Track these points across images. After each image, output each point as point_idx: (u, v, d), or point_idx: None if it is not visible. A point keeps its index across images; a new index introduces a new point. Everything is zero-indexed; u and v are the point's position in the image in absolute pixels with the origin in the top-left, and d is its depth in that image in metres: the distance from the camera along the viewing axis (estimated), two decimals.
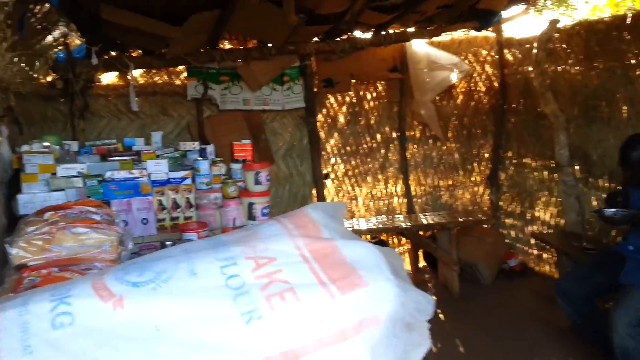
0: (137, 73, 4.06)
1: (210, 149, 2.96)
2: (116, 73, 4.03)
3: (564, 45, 4.10)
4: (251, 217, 2.44)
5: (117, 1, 2.90)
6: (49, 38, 3.64)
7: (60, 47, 3.64)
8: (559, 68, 4.16)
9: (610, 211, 2.84)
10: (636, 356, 2.53)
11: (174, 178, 2.35)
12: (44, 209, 1.51)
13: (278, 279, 1.07)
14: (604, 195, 3.55)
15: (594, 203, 3.89)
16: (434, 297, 4.11)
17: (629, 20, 3.46)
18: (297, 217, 1.37)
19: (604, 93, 3.74)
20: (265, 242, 1.19)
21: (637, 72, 3.45)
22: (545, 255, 4.55)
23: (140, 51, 3.91)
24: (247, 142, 2.87)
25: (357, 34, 4.28)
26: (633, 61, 3.48)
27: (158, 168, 2.35)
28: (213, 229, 2.30)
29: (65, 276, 1.21)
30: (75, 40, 3.76)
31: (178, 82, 4.25)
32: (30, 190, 2.09)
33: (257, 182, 2.44)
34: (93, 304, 0.92)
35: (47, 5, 3.22)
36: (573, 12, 6.48)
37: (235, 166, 2.61)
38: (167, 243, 1.66)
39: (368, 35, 4.27)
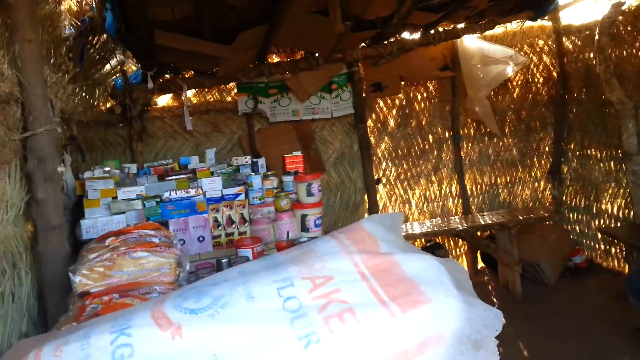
0: (190, 93, 4.19)
1: (261, 162, 2.98)
2: (170, 95, 4.18)
3: (629, 28, 3.82)
4: (304, 228, 2.42)
5: (169, 26, 3.00)
6: (107, 66, 3.84)
7: (117, 75, 3.83)
8: (625, 52, 3.89)
9: None
10: None
11: (228, 195, 2.38)
12: (105, 235, 1.55)
13: (336, 299, 1.03)
14: None
15: None
16: (495, 301, 3.98)
17: None
18: (353, 232, 1.32)
19: None
20: (322, 261, 1.16)
21: None
22: (613, 250, 4.27)
23: (192, 72, 4.03)
24: (298, 153, 2.87)
25: (405, 35, 4.20)
26: None
27: (213, 186, 2.39)
28: (267, 243, 2.30)
29: (126, 302, 1.23)
30: (132, 67, 3.94)
31: (229, 98, 4.34)
32: (92, 215, 2.18)
33: (310, 194, 2.42)
34: (152, 334, 0.92)
35: (104, 35, 3.40)
36: None
37: (287, 179, 2.61)
38: (222, 260, 1.67)
39: (416, 35, 4.18)
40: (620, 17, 3.82)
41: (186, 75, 4.04)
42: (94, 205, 2.22)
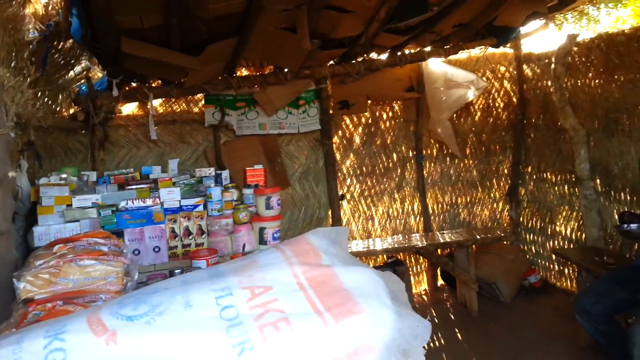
0: (156, 103, 4.18)
1: (225, 174, 3.00)
2: (136, 103, 4.16)
3: (584, 59, 4.04)
4: (262, 241, 2.45)
5: (137, 34, 3.01)
6: (72, 72, 3.80)
7: (82, 81, 3.79)
8: (579, 82, 4.10)
9: (631, 226, 2.76)
10: None
11: (186, 205, 2.39)
12: (54, 242, 1.55)
13: (273, 309, 1.07)
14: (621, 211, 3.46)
15: (616, 217, 3.78)
16: (453, 317, 4.06)
17: None
18: (297, 244, 1.36)
19: (625, 106, 3.66)
20: (263, 271, 1.19)
21: None
22: (566, 271, 4.44)
23: (159, 81, 4.03)
24: (260, 167, 2.90)
25: (373, 55, 4.31)
26: None
27: (171, 196, 2.39)
28: (223, 255, 2.31)
29: (69, 309, 1.23)
30: (97, 73, 3.91)
31: (196, 109, 4.34)
32: (45, 223, 2.15)
33: (269, 207, 2.46)
34: (86, 339, 0.93)
35: (70, 41, 3.38)
36: (595, 25, 6.38)
37: (247, 191, 2.64)
38: (176, 271, 1.67)
39: (384, 56, 4.30)
40: (575, 48, 4.04)
41: (153, 84, 4.03)
42: (47, 212, 2.19)
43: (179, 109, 4.34)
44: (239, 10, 3.00)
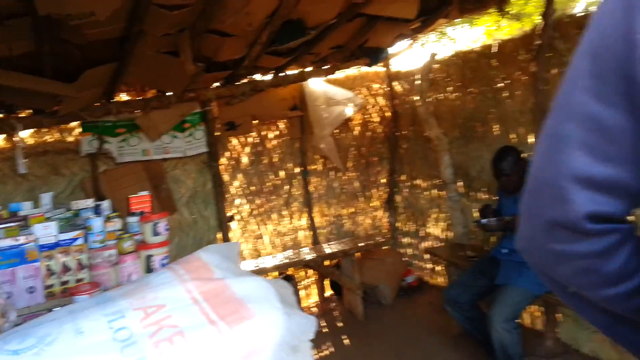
0: (26, 133, 3.86)
1: (105, 204, 2.88)
2: (2, 136, 3.81)
3: (444, 75, 4.51)
4: (149, 269, 2.39)
5: (5, 63, 2.79)
6: None
7: None
8: (441, 95, 4.57)
9: (485, 220, 3.17)
10: (512, 347, 2.80)
11: (63, 240, 2.26)
12: None
13: (167, 325, 1.10)
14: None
15: (475, 214, 4.26)
16: (341, 324, 4.25)
17: (494, 49, 3.88)
18: (189, 262, 1.42)
19: (479, 115, 4.12)
20: (155, 291, 1.22)
21: (504, 94, 3.86)
22: (437, 268, 4.87)
23: (30, 110, 3.74)
24: (145, 193, 2.84)
25: (257, 76, 4.43)
26: (500, 84, 3.88)
27: (46, 231, 2.25)
28: (107, 288, 2.23)
29: None
30: None
31: (71, 138, 4.09)
32: None
33: (156, 233, 2.41)
34: None
35: None
36: (454, 43, 7.16)
37: (132, 219, 2.56)
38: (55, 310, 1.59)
39: (268, 77, 4.44)
40: (436, 65, 4.52)
41: (22, 114, 3.73)
42: None
43: (51, 139, 4.05)
44: (119, 34, 2.94)
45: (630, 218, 0.66)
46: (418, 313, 4.31)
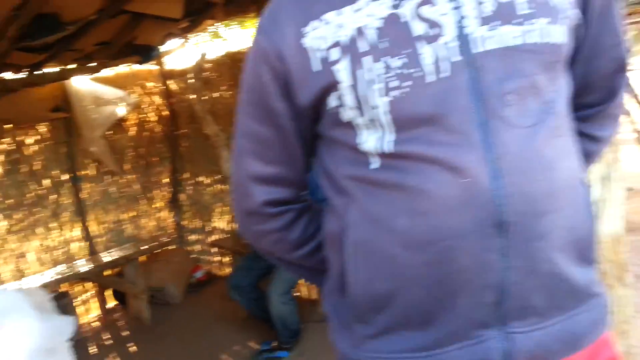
0: None
1: None
2: None
3: (218, 74, 4.67)
4: None
5: None
6: None
7: None
8: (216, 94, 4.72)
9: None
10: (290, 317, 3.20)
11: None
12: None
13: None
14: None
15: None
16: (127, 333, 4.13)
17: None
18: None
19: None
20: None
21: None
22: (225, 260, 5.06)
23: None
24: None
25: (8, 74, 3.88)
26: None
27: None
28: None
29: None
30: None
31: None
32: None
33: None
34: None
35: None
36: (226, 43, 7.34)
37: None
38: None
39: (21, 75, 3.93)
40: (210, 65, 4.66)
41: None
42: None
43: None
44: None
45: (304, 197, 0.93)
46: (207, 305, 4.42)
